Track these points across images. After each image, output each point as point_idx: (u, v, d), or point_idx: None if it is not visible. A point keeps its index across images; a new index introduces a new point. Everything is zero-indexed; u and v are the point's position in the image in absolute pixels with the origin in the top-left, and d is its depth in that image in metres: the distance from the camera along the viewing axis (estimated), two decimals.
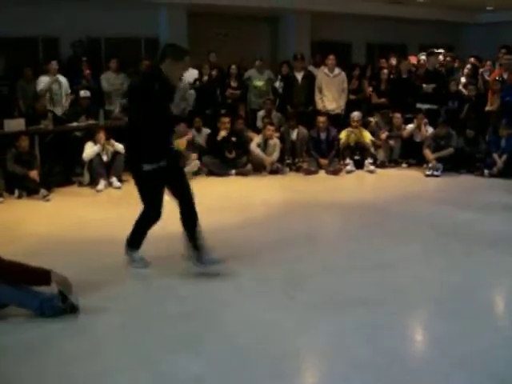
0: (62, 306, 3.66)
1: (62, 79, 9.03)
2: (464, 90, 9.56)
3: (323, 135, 9.08)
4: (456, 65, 10.71)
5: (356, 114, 9.08)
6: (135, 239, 4.65)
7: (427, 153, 8.60)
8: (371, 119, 9.64)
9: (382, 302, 3.92)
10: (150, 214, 4.48)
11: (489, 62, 9.97)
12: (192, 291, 4.16)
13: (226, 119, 8.84)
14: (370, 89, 10.16)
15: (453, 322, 3.57)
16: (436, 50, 10.45)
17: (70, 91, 9.11)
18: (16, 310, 3.71)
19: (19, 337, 3.47)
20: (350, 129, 9.05)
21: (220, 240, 4.93)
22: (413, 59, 10.97)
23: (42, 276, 3.70)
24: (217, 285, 4.28)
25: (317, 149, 9.04)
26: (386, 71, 10.14)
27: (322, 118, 9.11)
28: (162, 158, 4.26)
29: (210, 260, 4.47)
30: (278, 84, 10.24)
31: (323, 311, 3.78)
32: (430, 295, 4.10)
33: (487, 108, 9.08)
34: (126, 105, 4.60)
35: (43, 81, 8.79)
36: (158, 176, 4.27)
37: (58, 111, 8.84)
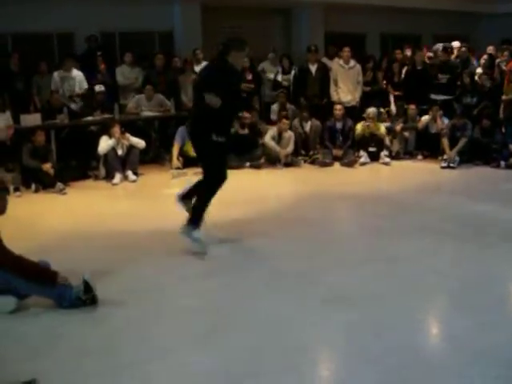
0: (83, 297, 3.70)
1: (77, 74, 9.05)
2: (480, 81, 9.47)
3: (339, 124, 9.05)
4: (472, 55, 10.61)
5: (371, 111, 8.99)
6: (197, 214, 4.72)
7: (445, 142, 8.53)
8: (382, 110, 9.60)
9: (396, 295, 3.90)
10: (215, 177, 4.71)
11: (506, 53, 9.84)
12: (208, 286, 4.18)
13: (247, 115, 8.80)
14: (384, 82, 10.14)
15: (468, 316, 3.55)
16: (454, 46, 10.33)
17: (86, 86, 9.10)
18: (36, 300, 3.76)
19: (38, 328, 3.52)
20: (365, 123, 8.99)
21: (234, 233, 4.96)
22: (426, 52, 10.89)
23: (49, 276, 3.72)
24: (231, 279, 4.29)
25: (332, 139, 9.02)
26: (396, 64, 10.15)
27: (338, 106, 9.11)
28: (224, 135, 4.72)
29: (194, 237, 4.69)
30: (280, 77, 10.18)
31: (337, 305, 3.78)
32: (445, 289, 4.08)
33: (503, 97, 9.01)
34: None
35: (55, 77, 8.83)
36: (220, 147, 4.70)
37: (73, 106, 8.91)
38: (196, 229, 4.71)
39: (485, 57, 9.94)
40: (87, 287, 3.72)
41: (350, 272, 4.36)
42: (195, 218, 4.72)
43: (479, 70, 9.72)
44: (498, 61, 9.89)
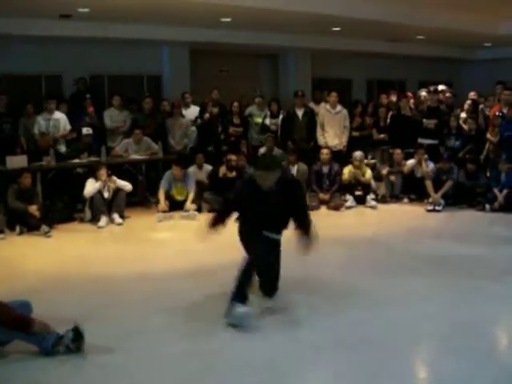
0: (70, 345, 3.59)
1: (60, 116, 9.02)
2: (464, 125, 9.62)
3: (326, 169, 9.10)
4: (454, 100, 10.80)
5: (358, 155, 9.08)
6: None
7: (429, 184, 8.61)
8: (369, 158, 9.71)
9: (387, 340, 3.86)
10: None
11: (491, 98, 10.00)
12: (193, 331, 4.10)
13: (233, 157, 8.83)
14: (371, 125, 10.29)
15: (460, 360, 3.51)
16: (439, 88, 10.53)
17: (69, 127, 9.07)
18: (18, 347, 3.65)
19: (19, 375, 3.41)
20: (351, 168, 9.05)
21: (224, 279, 4.90)
22: (411, 97, 11.07)
23: (24, 323, 3.61)
24: (219, 324, 4.21)
25: (318, 182, 9.06)
26: (383, 109, 10.31)
27: (325, 150, 9.17)
28: None
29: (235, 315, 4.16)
30: (268, 121, 10.27)
31: (327, 351, 3.72)
32: (437, 332, 4.03)
33: (487, 136, 9.14)
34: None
35: (40, 121, 8.80)
36: None
37: (59, 148, 8.91)
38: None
39: (468, 102, 10.12)
40: (77, 336, 3.62)
41: (341, 317, 4.31)
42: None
43: (463, 115, 9.88)
44: (481, 106, 10.07)
